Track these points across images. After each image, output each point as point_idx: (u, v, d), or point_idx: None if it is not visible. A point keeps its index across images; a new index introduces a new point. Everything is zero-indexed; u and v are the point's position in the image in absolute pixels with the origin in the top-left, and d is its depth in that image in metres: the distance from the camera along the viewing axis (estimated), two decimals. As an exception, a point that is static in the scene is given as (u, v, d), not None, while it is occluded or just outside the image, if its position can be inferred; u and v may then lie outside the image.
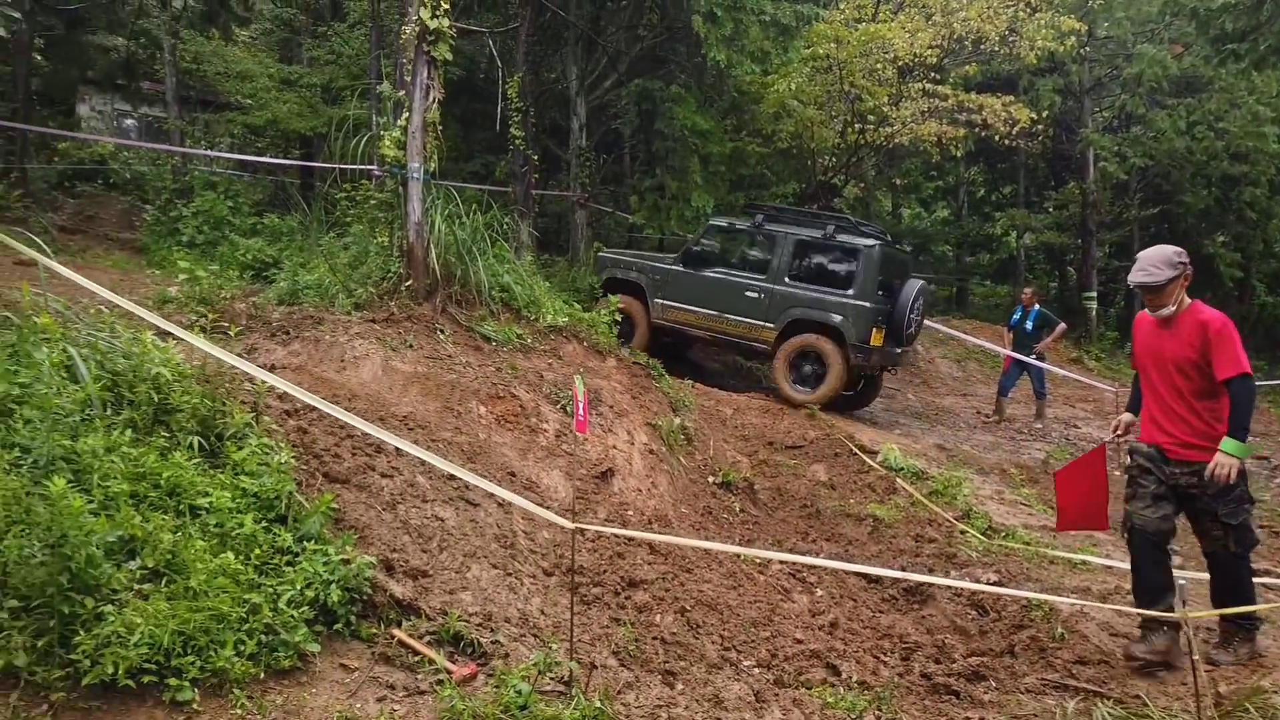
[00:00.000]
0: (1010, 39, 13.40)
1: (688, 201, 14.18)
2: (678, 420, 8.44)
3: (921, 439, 11.63)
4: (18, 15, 5.28)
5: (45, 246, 5.02)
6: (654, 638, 4.87)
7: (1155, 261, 4.55)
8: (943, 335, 17.69)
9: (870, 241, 11.33)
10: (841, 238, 11.35)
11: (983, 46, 13.57)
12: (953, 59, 13.98)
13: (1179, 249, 4.61)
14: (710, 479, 8.00)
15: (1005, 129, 13.72)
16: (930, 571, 6.81)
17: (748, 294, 11.55)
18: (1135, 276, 4.60)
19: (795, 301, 11.34)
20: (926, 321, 16.36)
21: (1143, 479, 4.77)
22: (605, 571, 5.38)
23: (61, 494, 3.26)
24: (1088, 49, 17.54)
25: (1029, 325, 12.81)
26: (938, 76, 13.80)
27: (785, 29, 13.21)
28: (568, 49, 16.00)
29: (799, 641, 5.32)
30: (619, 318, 10.10)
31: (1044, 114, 15.19)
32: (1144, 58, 18.04)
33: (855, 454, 9.50)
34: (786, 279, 11.47)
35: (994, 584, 6.46)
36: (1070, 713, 4.39)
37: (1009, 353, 12.91)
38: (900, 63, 13.12)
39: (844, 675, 4.93)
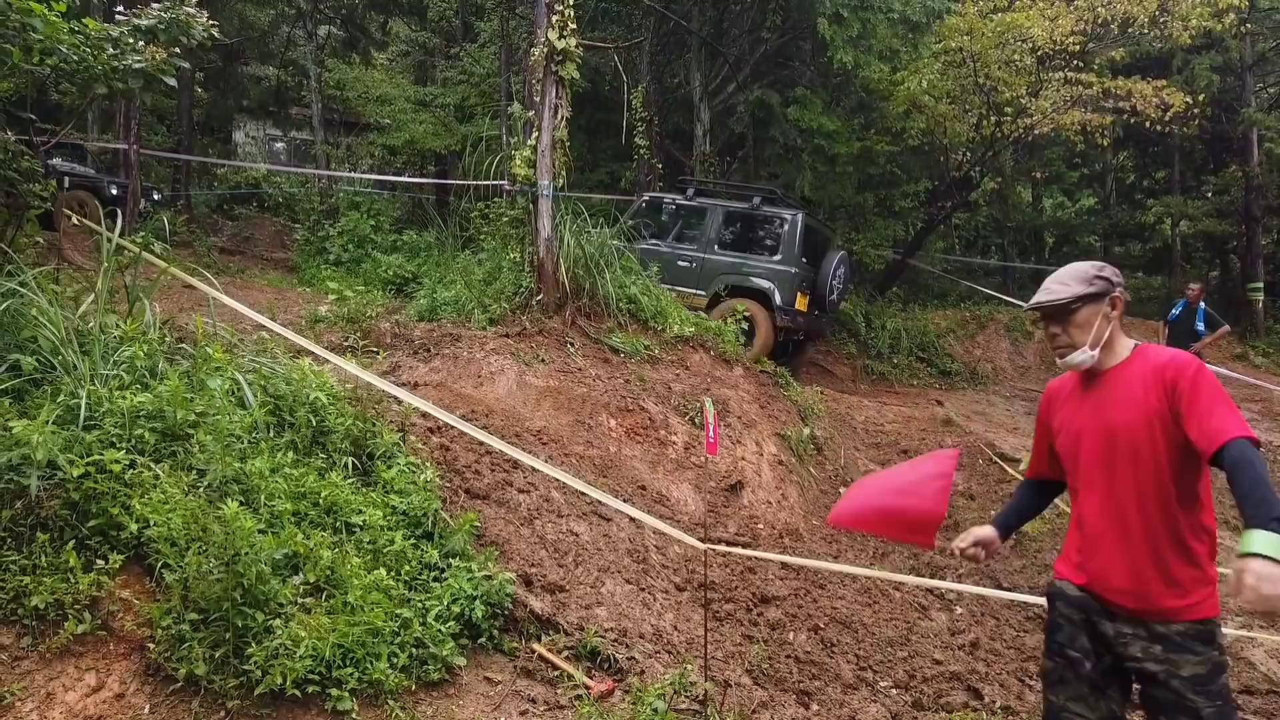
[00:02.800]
0: (1161, 19, 12.57)
1: None
2: (807, 430, 8.34)
3: (1067, 445, 11.06)
4: (186, 65, 5.75)
5: (215, 281, 5.45)
6: (787, 656, 4.84)
7: (1061, 278, 2.86)
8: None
9: (794, 211, 11.95)
10: (767, 208, 11.97)
11: (1130, 30, 12.78)
12: (1098, 44, 13.21)
13: (1105, 265, 2.88)
14: (842, 490, 7.86)
15: (1157, 114, 12.87)
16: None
17: (680, 263, 11.95)
18: (1034, 298, 2.91)
19: (725, 269, 11.79)
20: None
21: (1070, 647, 2.83)
22: (736, 587, 5.39)
23: (235, 515, 3.54)
24: (1249, 25, 16.22)
25: (1200, 326, 11.83)
26: (1080, 64, 13.07)
27: (915, 25, 12.83)
28: (691, 55, 16.07)
29: (938, 662, 5.19)
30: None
31: (1200, 96, 14.13)
32: (1315, 27, 16.57)
33: (995, 462, 9.16)
34: (716, 248, 11.96)
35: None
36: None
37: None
38: (1039, 52, 12.51)
39: (986, 699, 4.78)
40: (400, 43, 25.39)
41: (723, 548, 5.32)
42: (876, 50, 12.86)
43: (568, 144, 8.63)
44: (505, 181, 10.46)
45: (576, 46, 8.35)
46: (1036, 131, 13.41)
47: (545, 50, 8.27)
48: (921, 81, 12.77)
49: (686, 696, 3.96)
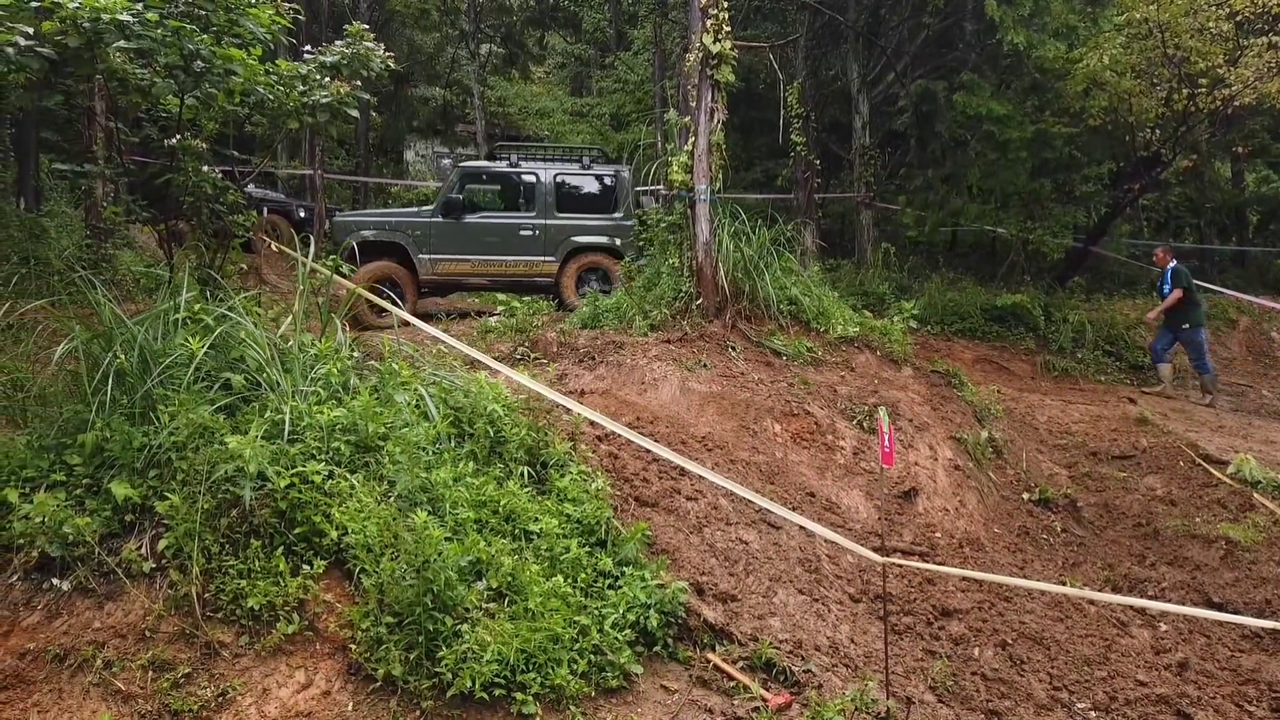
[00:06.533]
0: (1386, -34, 11.15)
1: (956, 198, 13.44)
2: (984, 432, 7.93)
3: (1283, 444, 10.01)
4: (367, 96, 6.11)
5: (395, 298, 5.75)
6: (973, 673, 4.62)
7: None
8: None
9: (620, 166, 12.42)
10: (596, 167, 12.22)
11: (1348, -19, 11.41)
12: (1309, 0, 11.87)
13: None
14: (1025, 495, 7.43)
15: (1382, 74, 11.42)
16: (1305, 607, 5.87)
17: (522, 233, 11.78)
18: None
19: (571, 232, 11.82)
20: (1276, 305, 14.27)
21: None
22: (915, 599, 5.19)
23: (424, 524, 3.72)
24: None
25: (1166, 288, 11.53)
26: (1288, 24, 11.79)
27: (1094, -1, 11.99)
28: (847, 46, 15.68)
29: (1141, 684, 4.82)
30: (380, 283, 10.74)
31: None
32: None
33: (1199, 464, 8.40)
34: (556, 213, 11.87)
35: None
36: None
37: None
38: (1238, 16, 11.37)
39: (1200, 727, 4.39)
40: (557, 55, 26.13)
41: (900, 560, 5.13)
42: (1051, 29, 12.05)
43: (724, 147, 8.59)
44: (662, 187, 10.56)
45: (731, 49, 8.30)
46: (1236, 102, 12.17)
47: (700, 55, 8.27)
48: (1103, 57, 11.84)
49: (868, 713, 3.84)
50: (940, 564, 5.56)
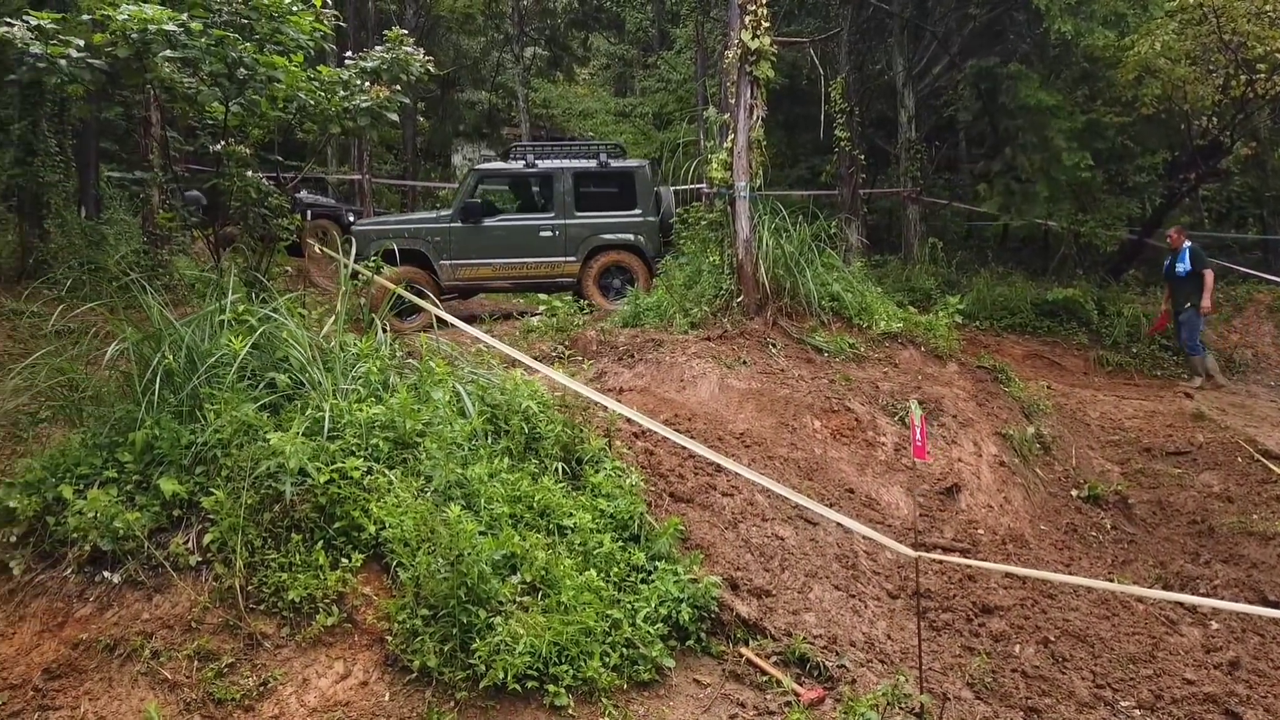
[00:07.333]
0: None
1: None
2: (1031, 428, 7.79)
3: (1350, 440, 9.64)
4: (407, 100, 6.22)
5: (436, 299, 5.85)
6: (1013, 670, 4.55)
7: None
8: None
9: (640, 162, 12.16)
10: (614, 163, 11.89)
11: None
12: (1374, -21, 11.42)
13: None
14: (1074, 492, 7.29)
15: None
16: (1369, 607, 5.67)
17: (542, 234, 11.57)
18: None
19: (591, 231, 11.61)
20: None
21: None
22: (954, 596, 5.12)
23: (458, 518, 3.79)
24: None
25: (1180, 268, 11.21)
26: (1352, 4, 11.36)
27: (1143, -15, 11.66)
28: (892, 39, 15.49)
29: (1189, 682, 4.71)
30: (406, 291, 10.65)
31: None
32: None
33: (1257, 460, 8.14)
34: (576, 212, 11.63)
35: None
36: None
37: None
38: (1297, -1, 11.01)
39: (1251, 728, 4.28)
40: (600, 56, 26.25)
41: (935, 555, 5.07)
42: (1099, 16, 11.75)
43: (764, 143, 8.56)
44: (703, 185, 10.55)
45: (771, 45, 8.26)
46: (1298, 88, 11.79)
47: (739, 51, 8.25)
48: (1154, 44, 11.51)
49: (901, 708, 3.82)
50: (982, 560, 5.48)
